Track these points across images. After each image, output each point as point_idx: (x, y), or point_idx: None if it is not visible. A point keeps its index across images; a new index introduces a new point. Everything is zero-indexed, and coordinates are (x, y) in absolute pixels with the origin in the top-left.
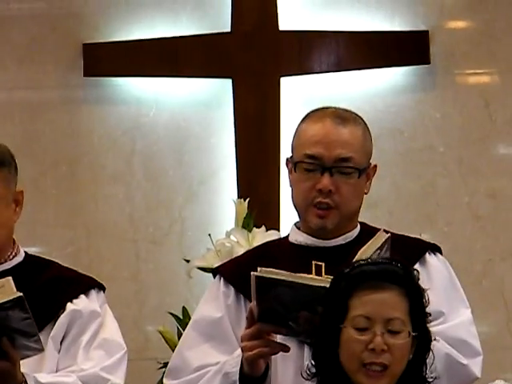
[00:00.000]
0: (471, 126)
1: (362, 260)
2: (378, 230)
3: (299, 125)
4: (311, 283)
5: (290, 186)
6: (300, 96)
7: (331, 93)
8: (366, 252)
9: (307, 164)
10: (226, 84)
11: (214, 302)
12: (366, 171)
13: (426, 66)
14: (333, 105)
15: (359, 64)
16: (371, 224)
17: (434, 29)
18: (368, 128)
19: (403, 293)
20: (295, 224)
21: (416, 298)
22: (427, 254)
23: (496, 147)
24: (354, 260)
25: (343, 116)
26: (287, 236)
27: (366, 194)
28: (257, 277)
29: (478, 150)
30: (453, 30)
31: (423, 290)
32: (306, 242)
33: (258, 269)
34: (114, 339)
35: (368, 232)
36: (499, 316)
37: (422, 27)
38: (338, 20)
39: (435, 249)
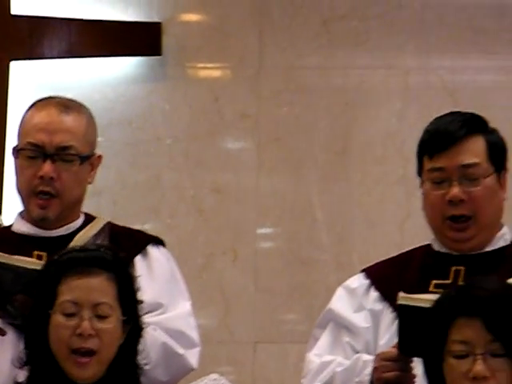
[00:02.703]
0: (200, 119)
1: (74, 247)
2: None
3: (25, 113)
4: (24, 265)
5: (15, 174)
6: (30, 82)
7: (62, 80)
8: (82, 237)
9: (29, 151)
10: None
11: None
12: (88, 159)
13: (158, 57)
14: (63, 92)
15: (90, 52)
16: (94, 214)
17: (168, 21)
18: (93, 119)
19: (112, 278)
20: (20, 213)
21: (125, 284)
22: (149, 246)
23: (223, 142)
24: (70, 246)
25: (68, 104)
26: (11, 225)
27: (89, 183)
28: None
29: (205, 143)
30: (186, 22)
31: (133, 276)
32: (29, 232)
33: None
34: None
35: (91, 222)
36: (217, 310)
37: (155, 18)
38: (71, 7)
39: (158, 241)
